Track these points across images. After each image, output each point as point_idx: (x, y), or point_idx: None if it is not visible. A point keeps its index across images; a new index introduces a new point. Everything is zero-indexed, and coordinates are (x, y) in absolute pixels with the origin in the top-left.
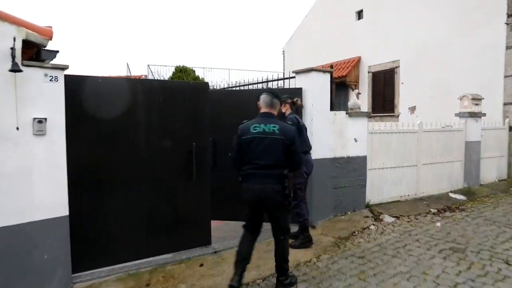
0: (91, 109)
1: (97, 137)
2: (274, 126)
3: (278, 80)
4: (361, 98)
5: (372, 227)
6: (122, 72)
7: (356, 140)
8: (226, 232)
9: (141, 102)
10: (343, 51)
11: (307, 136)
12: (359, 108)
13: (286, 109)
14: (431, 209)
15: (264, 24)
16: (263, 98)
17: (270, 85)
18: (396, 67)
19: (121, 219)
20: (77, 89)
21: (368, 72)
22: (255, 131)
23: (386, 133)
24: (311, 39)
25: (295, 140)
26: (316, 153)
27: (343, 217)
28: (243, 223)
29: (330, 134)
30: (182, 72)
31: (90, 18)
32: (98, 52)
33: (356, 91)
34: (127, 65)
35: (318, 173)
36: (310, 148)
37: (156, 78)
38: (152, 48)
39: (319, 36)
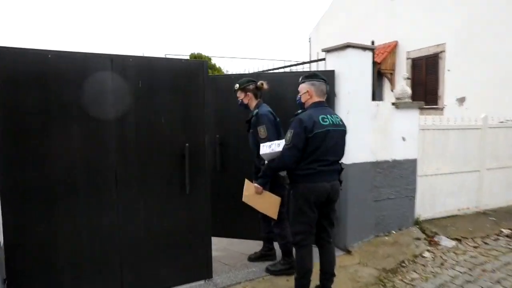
0: (37, 95)
1: (46, 135)
2: (336, 117)
3: (304, 63)
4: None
5: (426, 254)
6: None
7: (404, 139)
8: (235, 256)
9: (112, 87)
10: (377, 36)
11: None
12: (409, 97)
13: (249, 99)
14: (502, 229)
15: (289, 12)
16: (318, 85)
17: (294, 70)
18: (441, 51)
19: (85, 248)
20: (12, 67)
21: (407, 59)
22: (325, 123)
23: (442, 130)
24: (341, 24)
25: None
26: (353, 156)
27: (386, 238)
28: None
29: (371, 131)
30: (197, 59)
31: (105, 6)
32: (115, 41)
33: (405, 75)
34: (143, 54)
35: (355, 182)
36: None
37: None
38: (172, 38)
39: (350, 20)
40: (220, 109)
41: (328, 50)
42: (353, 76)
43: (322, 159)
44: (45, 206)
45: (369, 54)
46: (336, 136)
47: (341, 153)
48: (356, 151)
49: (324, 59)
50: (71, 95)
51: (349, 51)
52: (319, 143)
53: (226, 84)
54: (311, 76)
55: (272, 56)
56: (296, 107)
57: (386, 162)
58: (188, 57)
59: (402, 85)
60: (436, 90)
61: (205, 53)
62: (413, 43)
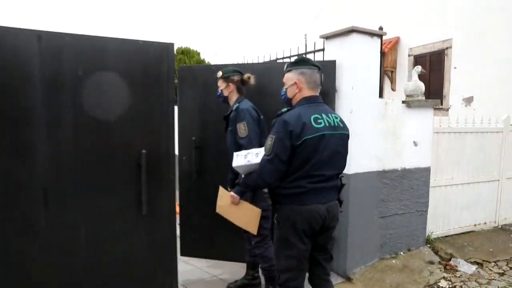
0: None
1: None
2: (335, 117)
3: (298, 55)
4: (400, 86)
5: (443, 283)
6: None
7: (416, 144)
8: (212, 283)
9: (39, 74)
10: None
11: None
12: (422, 94)
13: (230, 91)
14: None
15: (286, 10)
16: (309, 74)
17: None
18: (446, 48)
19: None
20: None
21: (409, 56)
22: (319, 125)
23: (459, 133)
24: (340, 18)
25: None
26: (355, 164)
27: (394, 261)
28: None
29: (377, 135)
30: (184, 54)
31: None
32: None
33: (419, 68)
34: None
35: (358, 195)
36: None
37: None
38: (158, 31)
39: (349, 15)
40: (197, 105)
41: (327, 37)
42: (358, 68)
43: (315, 174)
44: None
45: (377, 42)
46: (335, 142)
47: (341, 164)
48: (360, 158)
49: (322, 50)
50: None
51: (354, 37)
52: (311, 153)
53: (205, 76)
54: (299, 62)
55: (266, 54)
56: (283, 105)
57: (395, 171)
58: (174, 52)
59: (415, 80)
60: (441, 89)
61: (193, 47)
62: (416, 39)
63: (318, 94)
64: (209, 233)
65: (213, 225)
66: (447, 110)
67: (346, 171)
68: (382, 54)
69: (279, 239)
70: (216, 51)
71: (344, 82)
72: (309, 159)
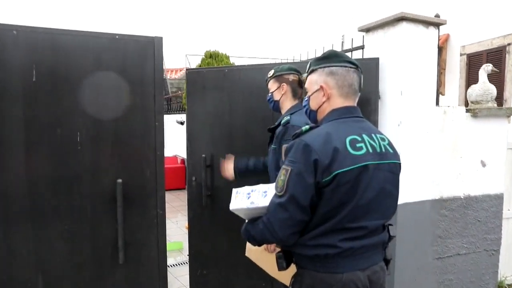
0: None
1: None
2: (382, 139)
3: None
4: (450, 90)
5: None
6: (180, 64)
7: (484, 164)
8: None
9: None
10: None
11: None
12: (493, 100)
13: (284, 94)
14: None
15: (321, 11)
16: (341, 74)
17: None
18: (508, 44)
19: None
20: None
21: (461, 55)
22: (359, 152)
23: None
24: (383, 14)
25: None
26: (405, 191)
27: None
28: None
29: (434, 153)
30: (212, 57)
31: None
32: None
33: (489, 66)
34: (186, 57)
35: (407, 230)
36: None
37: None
38: (190, 36)
39: (394, 9)
40: (208, 116)
41: (368, 29)
42: (409, 68)
43: (352, 226)
44: None
45: (434, 33)
46: (382, 176)
47: (390, 209)
48: (410, 183)
49: (362, 47)
50: None
51: (404, 27)
52: (346, 195)
53: (217, 81)
54: (326, 57)
55: (297, 56)
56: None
57: (456, 199)
58: (203, 56)
59: (484, 81)
60: (500, 93)
61: (222, 50)
62: (470, 35)
63: (355, 104)
64: (222, 268)
65: (228, 260)
66: (509, 117)
67: None
68: (440, 49)
69: None
70: (249, 54)
71: (390, 86)
72: (343, 204)
